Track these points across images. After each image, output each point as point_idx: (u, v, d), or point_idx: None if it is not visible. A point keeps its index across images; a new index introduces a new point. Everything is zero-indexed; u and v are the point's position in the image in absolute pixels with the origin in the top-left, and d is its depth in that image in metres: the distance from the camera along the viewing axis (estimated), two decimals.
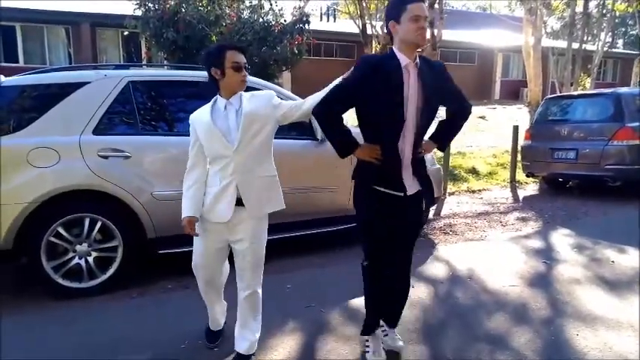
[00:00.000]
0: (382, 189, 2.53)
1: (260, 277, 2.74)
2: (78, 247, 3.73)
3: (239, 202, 2.56)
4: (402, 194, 2.53)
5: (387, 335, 2.89)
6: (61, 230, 3.66)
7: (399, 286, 2.79)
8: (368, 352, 2.81)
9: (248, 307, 2.73)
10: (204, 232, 2.64)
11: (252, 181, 2.58)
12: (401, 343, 2.87)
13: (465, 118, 2.72)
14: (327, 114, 2.55)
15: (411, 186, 2.56)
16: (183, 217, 2.59)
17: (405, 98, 2.39)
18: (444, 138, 2.77)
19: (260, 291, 2.76)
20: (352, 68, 2.51)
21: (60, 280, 3.69)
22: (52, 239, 3.64)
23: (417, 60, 2.42)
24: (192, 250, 2.75)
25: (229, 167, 2.54)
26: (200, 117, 2.60)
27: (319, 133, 4.55)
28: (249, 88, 4.64)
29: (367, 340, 2.85)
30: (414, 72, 2.41)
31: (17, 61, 16.12)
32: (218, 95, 2.60)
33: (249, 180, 2.57)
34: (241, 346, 2.74)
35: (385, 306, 2.82)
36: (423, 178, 2.60)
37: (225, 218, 2.57)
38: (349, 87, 2.48)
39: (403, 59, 2.39)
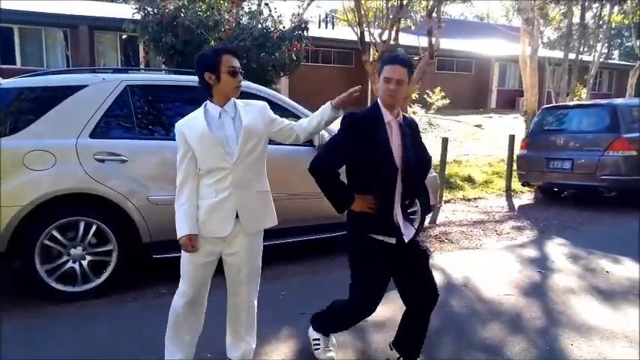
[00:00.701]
0: (379, 237, 2.57)
1: (257, 290, 2.72)
2: (72, 251, 3.71)
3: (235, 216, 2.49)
4: (393, 241, 2.57)
5: None
6: (55, 233, 3.64)
7: (421, 321, 2.75)
8: (318, 349, 2.86)
9: (245, 320, 2.69)
10: (199, 247, 2.51)
11: (250, 195, 2.52)
12: None
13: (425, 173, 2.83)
14: (324, 173, 2.65)
15: (407, 233, 2.60)
16: (181, 235, 2.45)
17: (392, 150, 2.51)
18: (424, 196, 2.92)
19: (256, 302, 2.74)
20: (340, 127, 2.61)
21: (54, 284, 3.67)
22: (47, 242, 3.62)
23: (399, 115, 2.59)
24: None
25: (227, 180, 2.45)
26: (193, 125, 2.45)
27: (316, 140, 4.56)
28: (244, 94, 4.69)
29: (317, 339, 2.89)
30: (395, 126, 2.56)
31: (15, 63, 16.07)
32: (209, 102, 2.49)
33: (246, 195, 2.50)
34: (236, 353, 2.71)
35: (407, 341, 2.78)
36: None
37: (224, 233, 2.48)
38: (342, 146, 2.59)
39: (387, 115, 2.55)
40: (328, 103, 2.68)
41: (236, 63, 2.46)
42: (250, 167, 2.51)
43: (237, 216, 2.49)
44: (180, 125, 2.49)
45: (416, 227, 2.71)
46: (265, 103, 2.66)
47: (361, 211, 2.56)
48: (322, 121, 2.71)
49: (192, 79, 4.38)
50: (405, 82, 2.48)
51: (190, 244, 2.45)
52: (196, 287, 2.57)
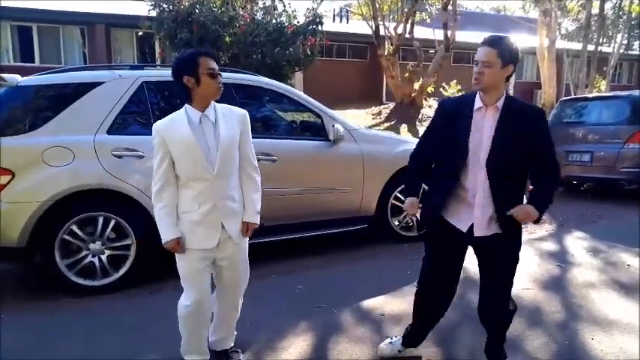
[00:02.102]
0: (447, 218, 2.51)
1: (243, 291, 2.75)
2: (91, 246, 3.76)
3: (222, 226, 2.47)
4: (462, 230, 2.47)
5: None
6: (75, 228, 3.69)
7: (490, 319, 2.67)
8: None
9: (234, 316, 2.77)
10: (187, 260, 2.48)
11: (233, 204, 2.50)
12: None
13: (557, 177, 2.56)
14: (412, 157, 2.70)
15: (485, 227, 2.44)
16: (166, 240, 2.40)
17: (470, 137, 2.39)
18: (545, 201, 2.45)
19: (241, 301, 2.79)
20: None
21: (73, 278, 3.72)
22: (66, 237, 3.67)
23: (499, 102, 2.38)
24: None
25: (209, 191, 2.40)
26: (174, 130, 2.36)
27: (331, 134, 4.55)
28: (259, 90, 4.69)
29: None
30: (491, 113, 2.39)
31: (33, 61, 16.28)
32: (188, 106, 2.41)
33: (229, 204, 2.48)
34: (228, 343, 2.79)
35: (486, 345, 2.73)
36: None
37: (211, 245, 2.45)
38: (430, 130, 2.61)
39: (478, 102, 2.41)
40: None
41: (214, 65, 2.40)
42: (230, 175, 2.48)
43: (222, 226, 2.47)
44: (160, 128, 2.39)
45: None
46: (246, 112, 2.57)
47: (434, 194, 2.55)
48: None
49: None
50: (492, 63, 2.28)
51: (177, 247, 2.42)
52: (198, 291, 2.52)
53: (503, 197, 2.39)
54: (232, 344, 2.83)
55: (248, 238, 2.66)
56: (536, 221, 2.43)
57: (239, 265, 2.63)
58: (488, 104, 2.39)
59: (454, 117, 2.47)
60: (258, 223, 2.62)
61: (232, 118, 2.49)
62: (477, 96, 2.42)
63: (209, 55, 2.42)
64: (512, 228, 2.44)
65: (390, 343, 2.87)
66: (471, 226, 2.46)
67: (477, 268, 2.61)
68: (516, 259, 2.54)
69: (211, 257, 2.53)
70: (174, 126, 2.38)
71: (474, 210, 2.44)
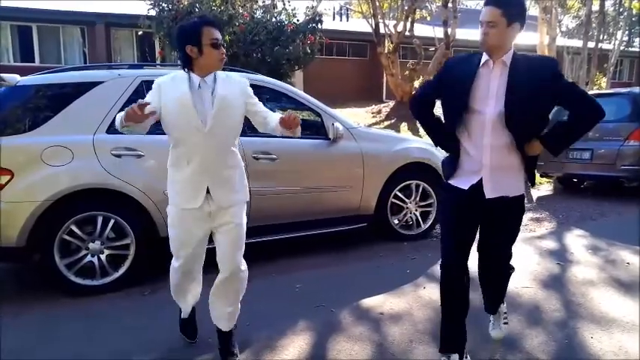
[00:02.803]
0: (452, 181, 2.51)
1: (241, 255, 2.67)
2: (91, 245, 3.76)
3: (208, 191, 2.48)
4: (468, 190, 2.44)
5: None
6: (74, 228, 3.69)
7: (491, 274, 2.79)
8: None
9: (232, 293, 2.70)
10: (181, 220, 2.54)
11: (221, 170, 2.50)
12: (494, 332, 2.96)
13: (587, 122, 2.42)
14: (414, 101, 2.65)
15: (494, 189, 2.43)
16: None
17: (475, 91, 2.36)
18: (554, 140, 2.46)
19: (245, 270, 2.72)
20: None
21: (73, 278, 3.72)
22: (66, 237, 3.67)
23: (505, 57, 2.34)
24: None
25: (198, 151, 2.43)
26: (173, 86, 2.42)
27: (331, 133, 4.55)
28: (259, 88, 4.69)
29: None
30: (499, 68, 2.35)
31: (33, 61, 16.30)
32: (190, 72, 2.44)
33: (218, 169, 2.49)
34: (223, 323, 2.75)
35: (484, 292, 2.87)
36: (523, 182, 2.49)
37: (195, 205, 2.47)
38: (432, 82, 2.60)
39: (485, 57, 2.39)
40: (277, 120, 2.52)
41: (218, 35, 2.42)
42: (223, 139, 2.48)
43: (208, 191, 2.48)
44: (161, 82, 2.46)
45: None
46: (247, 81, 2.61)
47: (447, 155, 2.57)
48: (269, 128, 2.60)
49: None
50: (497, 23, 2.25)
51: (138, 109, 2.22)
52: (184, 257, 2.62)
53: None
54: (227, 328, 2.74)
55: (245, 213, 2.64)
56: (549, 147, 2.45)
57: (231, 233, 2.56)
58: (496, 61, 2.36)
59: (456, 74, 2.43)
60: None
61: (232, 83, 2.53)
62: (484, 53, 2.39)
63: (213, 24, 2.44)
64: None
65: None
66: (475, 186, 2.43)
67: (470, 265, 2.60)
68: (521, 221, 2.62)
69: (205, 228, 2.55)
70: (175, 83, 2.44)
71: (480, 170, 2.42)
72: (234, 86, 2.53)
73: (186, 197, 2.49)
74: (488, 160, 2.41)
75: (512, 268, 2.79)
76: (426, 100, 2.61)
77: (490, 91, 2.35)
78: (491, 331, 2.96)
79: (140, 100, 2.21)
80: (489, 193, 2.43)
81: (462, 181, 2.49)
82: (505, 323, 2.97)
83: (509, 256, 2.69)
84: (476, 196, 2.44)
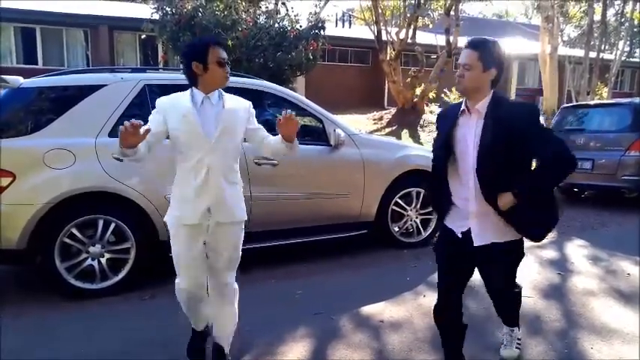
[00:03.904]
0: (449, 225, 2.52)
1: (234, 275, 2.68)
2: (91, 249, 3.75)
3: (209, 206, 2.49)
4: (460, 236, 2.45)
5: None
6: (75, 231, 3.69)
7: (499, 301, 2.78)
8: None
9: (224, 304, 2.68)
10: (180, 237, 2.53)
11: (223, 184, 2.50)
12: (505, 351, 2.87)
13: (555, 167, 2.32)
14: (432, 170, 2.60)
15: (482, 236, 2.40)
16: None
17: (456, 141, 2.38)
18: (521, 186, 2.29)
19: (236, 287, 2.71)
20: None
21: (73, 281, 3.72)
22: (66, 240, 3.67)
23: (479, 106, 2.32)
24: None
25: (204, 165, 2.44)
26: (176, 105, 2.46)
27: (332, 139, 4.55)
28: (261, 93, 4.70)
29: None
30: (475, 117, 2.34)
31: (36, 63, 16.34)
32: (194, 88, 2.49)
33: (221, 185, 2.49)
34: (216, 333, 2.74)
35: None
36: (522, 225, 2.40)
37: (196, 220, 2.48)
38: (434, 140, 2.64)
39: (463, 105, 2.39)
40: (280, 138, 2.55)
41: (224, 55, 2.48)
42: (227, 154, 2.51)
43: (208, 210, 2.49)
44: (163, 102, 2.49)
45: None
46: (250, 102, 2.66)
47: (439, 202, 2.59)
48: (271, 152, 2.68)
49: None
50: (472, 66, 2.24)
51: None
52: (189, 279, 2.59)
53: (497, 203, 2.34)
54: (226, 347, 2.72)
55: (243, 231, 2.65)
56: (519, 200, 2.28)
57: (227, 249, 2.58)
58: (472, 108, 2.34)
59: (444, 123, 2.49)
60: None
61: (237, 101, 2.59)
62: (463, 101, 2.40)
63: (220, 45, 2.49)
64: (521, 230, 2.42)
65: None
66: (468, 233, 2.42)
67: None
68: (517, 263, 2.56)
69: (200, 240, 2.53)
70: (177, 101, 2.47)
71: (468, 218, 2.42)
72: (240, 104, 2.60)
73: (188, 213, 2.49)
74: (474, 208, 2.40)
75: (518, 288, 2.75)
76: (437, 164, 2.53)
77: (467, 141, 2.35)
78: (502, 351, 2.88)
79: (133, 120, 2.18)
80: (477, 240, 2.40)
81: (455, 225, 2.49)
82: (518, 348, 2.88)
83: (512, 289, 2.67)
84: (467, 241, 2.43)
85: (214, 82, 2.48)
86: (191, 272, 2.58)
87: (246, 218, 2.66)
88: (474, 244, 2.40)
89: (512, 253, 2.48)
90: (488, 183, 2.31)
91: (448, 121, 2.44)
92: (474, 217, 2.40)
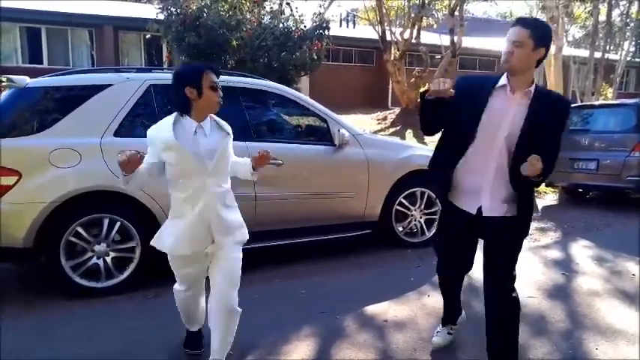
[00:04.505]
0: (459, 205, 2.53)
1: (236, 294, 2.56)
2: (96, 247, 3.77)
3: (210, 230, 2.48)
4: (473, 213, 2.47)
5: None
6: (80, 230, 3.70)
7: (494, 311, 2.59)
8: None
9: (223, 325, 2.53)
10: (178, 263, 2.56)
11: (222, 211, 2.49)
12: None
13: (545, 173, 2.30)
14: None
15: (493, 209, 2.44)
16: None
17: (487, 114, 2.36)
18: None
19: (237, 309, 2.57)
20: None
21: (78, 280, 3.73)
22: (72, 239, 3.69)
23: (531, 88, 2.34)
24: None
25: (202, 193, 2.42)
26: (160, 134, 2.41)
27: (337, 139, 4.55)
28: (268, 94, 4.72)
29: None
30: (518, 95, 2.34)
31: (42, 63, 16.40)
32: (186, 115, 2.44)
33: (219, 210, 2.47)
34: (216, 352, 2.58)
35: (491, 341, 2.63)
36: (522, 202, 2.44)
37: (203, 247, 2.48)
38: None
39: (504, 79, 2.37)
40: (250, 164, 2.65)
41: (215, 79, 2.45)
42: (222, 180, 2.50)
43: (212, 237, 2.49)
44: (151, 134, 2.45)
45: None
46: (230, 129, 2.61)
47: (443, 175, 2.54)
48: (237, 174, 2.71)
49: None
50: (523, 43, 2.21)
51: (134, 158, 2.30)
52: (189, 284, 2.69)
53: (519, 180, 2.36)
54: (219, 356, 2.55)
55: (241, 252, 2.61)
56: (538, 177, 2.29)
57: (227, 270, 2.52)
58: (516, 88, 2.33)
59: (470, 91, 2.40)
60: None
61: (226, 129, 2.57)
62: (504, 76, 2.37)
63: (213, 70, 2.46)
64: (526, 209, 2.46)
65: (438, 332, 3.04)
66: (479, 209, 2.45)
67: (482, 271, 2.60)
68: (521, 244, 2.57)
69: (202, 262, 2.58)
70: (162, 131, 2.42)
71: (482, 191, 2.43)
72: (227, 127, 2.58)
73: (188, 243, 2.47)
74: (490, 182, 2.42)
75: (516, 292, 2.58)
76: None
77: (504, 117, 2.34)
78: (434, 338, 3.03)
79: (129, 153, 2.26)
80: (486, 212, 2.44)
81: (466, 203, 2.50)
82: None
83: (512, 278, 2.55)
84: (477, 216, 2.47)
85: (208, 108, 2.45)
86: (190, 280, 2.69)
87: (247, 238, 2.66)
88: (484, 215, 2.44)
89: (517, 226, 2.50)
90: (520, 160, 2.27)
91: (477, 94, 2.38)
92: (487, 191, 2.42)
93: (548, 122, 2.31)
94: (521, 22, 2.27)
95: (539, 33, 2.24)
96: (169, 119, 2.44)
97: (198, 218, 2.43)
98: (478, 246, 2.72)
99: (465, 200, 2.52)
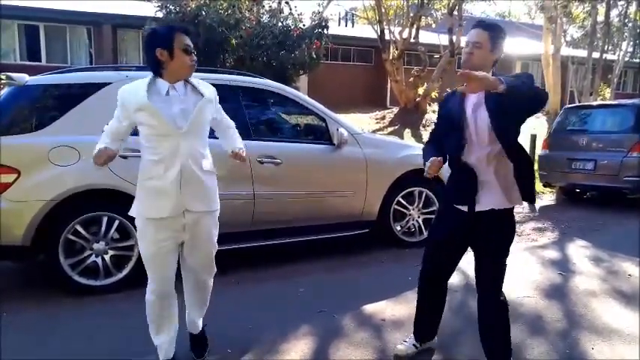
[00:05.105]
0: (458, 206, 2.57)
1: (211, 272, 2.71)
2: (95, 246, 3.77)
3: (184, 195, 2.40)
4: (464, 210, 2.52)
5: None
6: (79, 228, 3.71)
7: (482, 314, 2.65)
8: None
9: (197, 298, 2.75)
10: (149, 232, 2.43)
11: (198, 175, 2.43)
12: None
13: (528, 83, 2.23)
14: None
15: (484, 204, 2.48)
16: (100, 148, 2.33)
17: (464, 118, 2.46)
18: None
19: (210, 282, 2.75)
20: None
21: (77, 278, 3.74)
22: (71, 237, 3.69)
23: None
24: None
25: (176, 155, 2.36)
26: (134, 95, 2.35)
27: (335, 138, 4.56)
28: (267, 93, 4.73)
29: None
30: (479, 95, 2.39)
31: (40, 60, 16.36)
32: (158, 78, 2.39)
33: (195, 174, 2.42)
34: (196, 326, 2.84)
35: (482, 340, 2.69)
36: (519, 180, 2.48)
37: (177, 211, 2.40)
38: (436, 122, 2.75)
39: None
40: (234, 147, 2.68)
41: (189, 42, 2.39)
42: (199, 143, 2.45)
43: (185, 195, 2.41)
44: (123, 95, 2.40)
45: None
46: (214, 89, 2.59)
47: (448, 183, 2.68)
48: (228, 141, 2.75)
49: (214, 77, 4.42)
50: (482, 44, 2.34)
51: (106, 155, 2.32)
52: (160, 279, 2.51)
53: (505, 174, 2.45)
54: (200, 328, 2.85)
55: (217, 221, 2.63)
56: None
57: (200, 245, 2.56)
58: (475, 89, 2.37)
59: (450, 104, 2.55)
60: (244, 153, 2.67)
61: (209, 89, 2.52)
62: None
63: (187, 32, 2.41)
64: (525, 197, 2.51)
65: (405, 342, 2.92)
66: (472, 205, 2.50)
67: (472, 274, 2.63)
68: (510, 241, 2.60)
69: (174, 236, 2.46)
70: (136, 93, 2.36)
71: (479, 189, 2.47)
72: (208, 90, 2.51)
73: (159, 206, 2.40)
74: (482, 177, 2.47)
75: (504, 296, 2.63)
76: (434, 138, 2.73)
77: (478, 117, 2.41)
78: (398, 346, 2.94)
79: (108, 150, 2.32)
80: (478, 207, 2.49)
81: (460, 202, 2.56)
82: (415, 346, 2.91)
83: (500, 277, 2.60)
84: (469, 213, 2.51)
85: (180, 71, 2.38)
86: (162, 270, 2.50)
87: (218, 208, 2.62)
88: (475, 210, 2.48)
89: (506, 218, 2.54)
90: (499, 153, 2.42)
91: (455, 100, 2.51)
92: (483, 185, 2.47)
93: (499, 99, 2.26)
94: (482, 24, 2.40)
95: (496, 36, 2.38)
96: (144, 81, 2.39)
97: (172, 180, 2.37)
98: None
99: (461, 201, 2.56)
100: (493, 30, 2.37)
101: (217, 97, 2.61)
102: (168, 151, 2.36)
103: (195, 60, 2.42)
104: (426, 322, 2.90)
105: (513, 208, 2.56)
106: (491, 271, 2.59)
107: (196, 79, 2.52)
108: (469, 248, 2.68)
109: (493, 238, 2.55)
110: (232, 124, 2.79)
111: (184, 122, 2.36)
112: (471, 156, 2.48)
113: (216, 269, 2.74)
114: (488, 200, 2.48)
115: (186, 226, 2.47)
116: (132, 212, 2.50)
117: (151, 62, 2.38)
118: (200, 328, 2.86)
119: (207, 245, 2.61)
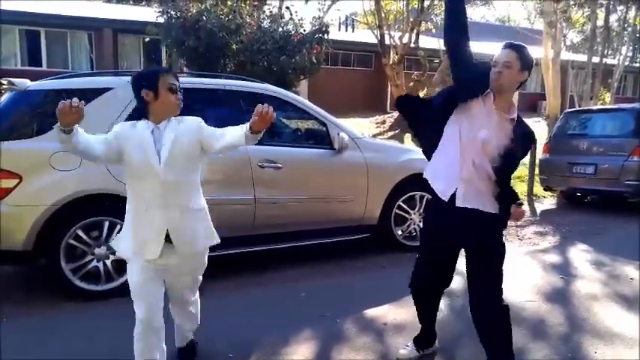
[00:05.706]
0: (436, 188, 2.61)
1: (195, 292, 2.77)
2: (96, 250, 3.77)
3: (168, 239, 2.37)
4: (446, 200, 2.53)
5: None
6: (80, 233, 3.71)
7: (482, 319, 2.66)
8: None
9: (185, 315, 2.78)
10: (136, 267, 2.40)
11: (182, 213, 2.39)
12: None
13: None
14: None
15: (467, 199, 2.51)
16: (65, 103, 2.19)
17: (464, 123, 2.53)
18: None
19: (198, 298, 2.81)
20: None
21: (78, 283, 3.73)
22: (72, 242, 3.69)
23: (513, 113, 2.51)
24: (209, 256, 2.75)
25: (156, 191, 2.32)
26: (134, 131, 2.35)
27: (336, 142, 4.57)
28: (268, 97, 4.74)
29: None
30: (498, 115, 2.47)
31: (41, 65, 16.40)
32: (144, 119, 2.39)
33: (178, 212, 2.37)
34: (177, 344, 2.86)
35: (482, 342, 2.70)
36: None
37: (154, 255, 2.36)
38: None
39: (488, 100, 2.52)
40: (246, 129, 2.33)
41: (175, 81, 2.38)
42: (181, 178, 2.38)
43: (170, 240, 2.38)
44: (124, 129, 2.38)
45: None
46: (199, 119, 2.49)
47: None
48: (233, 144, 2.41)
49: (214, 82, 4.44)
50: (512, 64, 2.40)
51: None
52: (147, 309, 2.41)
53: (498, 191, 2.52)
54: (191, 336, 2.88)
55: (207, 258, 2.63)
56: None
57: (186, 276, 2.61)
58: (498, 107, 2.48)
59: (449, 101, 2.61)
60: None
61: (185, 125, 2.41)
62: (490, 96, 2.50)
63: (171, 73, 2.42)
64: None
65: (407, 346, 2.95)
66: (453, 196, 2.52)
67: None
68: (499, 244, 2.62)
69: (160, 268, 2.44)
70: (136, 128, 2.36)
71: (461, 184, 2.51)
72: (188, 125, 2.42)
73: (144, 247, 2.37)
74: (464, 174, 2.50)
75: (505, 310, 2.62)
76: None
77: (488, 124, 2.47)
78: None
79: (74, 100, 2.17)
80: (459, 202, 2.51)
81: (442, 188, 2.58)
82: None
83: (498, 289, 2.60)
84: (452, 206, 2.52)
85: (166, 110, 2.37)
86: (149, 300, 2.42)
87: (211, 244, 2.58)
88: (456, 205, 2.50)
89: (495, 225, 2.58)
90: (503, 176, 2.51)
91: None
92: (461, 182, 2.51)
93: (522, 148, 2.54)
94: (511, 45, 2.47)
95: (525, 57, 2.45)
96: (132, 122, 2.41)
97: (152, 220, 2.34)
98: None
99: (443, 186, 2.60)
100: (522, 51, 2.44)
101: (202, 124, 2.47)
102: (150, 188, 2.34)
103: (180, 99, 2.40)
104: (422, 331, 2.97)
105: (500, 223, 2.59)
106: (491, 279, 2.61)
107: (181, 117, 2.46)
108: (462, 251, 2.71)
109: (488, 248, 2.59)
110: (226, 128, 2.62)
111: (160, 165, 2.31)
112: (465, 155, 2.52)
113: (200, 281, 2.75)
114: (472, 199, 2.51)
115: (170, 266, 2.46)
116: (117, 246, 2.52)
117: (139, 104, 2.41)
118: (190, 339, 2.88)
119: (194, 274, 2.66)
